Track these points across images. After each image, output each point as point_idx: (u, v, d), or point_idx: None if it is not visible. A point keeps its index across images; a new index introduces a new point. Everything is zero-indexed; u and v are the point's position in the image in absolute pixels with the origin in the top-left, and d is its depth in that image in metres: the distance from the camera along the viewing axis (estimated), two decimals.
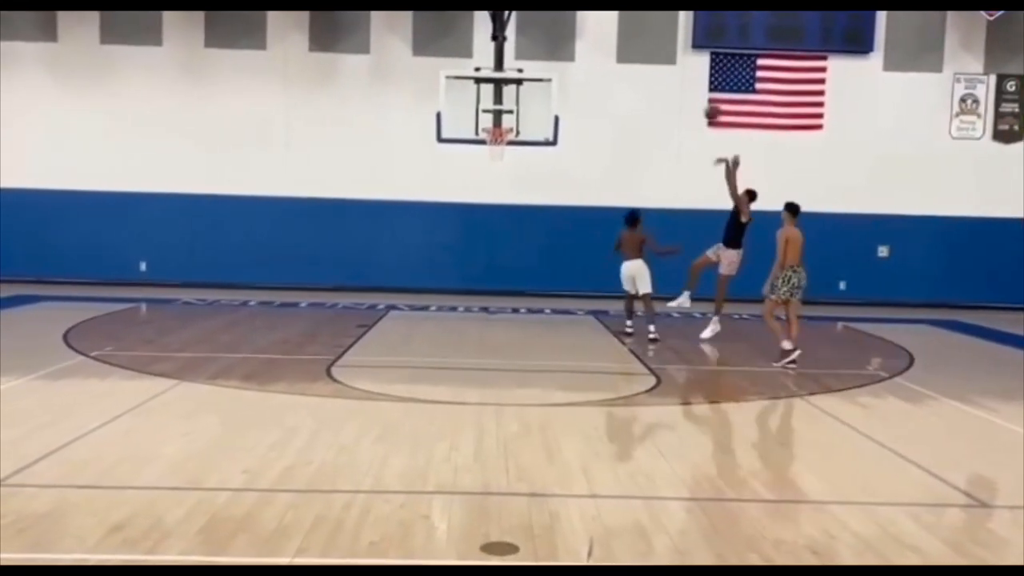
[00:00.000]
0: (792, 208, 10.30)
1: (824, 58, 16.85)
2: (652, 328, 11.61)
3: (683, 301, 12.11)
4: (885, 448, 6.67)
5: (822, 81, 16.93)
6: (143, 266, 16.70)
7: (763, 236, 11.28)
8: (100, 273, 16.26)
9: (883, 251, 17.22)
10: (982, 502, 5.62)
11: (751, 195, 11.71)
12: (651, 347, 11.22)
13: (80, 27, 16.44)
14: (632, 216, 11.93)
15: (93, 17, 16.41)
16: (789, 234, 10.13)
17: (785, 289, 10.10)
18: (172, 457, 5.92)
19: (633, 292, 11.93)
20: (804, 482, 5.83)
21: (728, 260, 11.82)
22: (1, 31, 16.43)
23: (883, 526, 4.89)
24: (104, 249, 16.46)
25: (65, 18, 16.44)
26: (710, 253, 12.04)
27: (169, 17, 16.46)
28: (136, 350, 9.95)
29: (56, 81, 16.52)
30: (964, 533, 5.02)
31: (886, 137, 16.86)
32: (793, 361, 9.86)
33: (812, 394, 8.60)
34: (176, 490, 5.20)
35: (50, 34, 16.50)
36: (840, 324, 14.62)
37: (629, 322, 12.17)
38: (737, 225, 11.76)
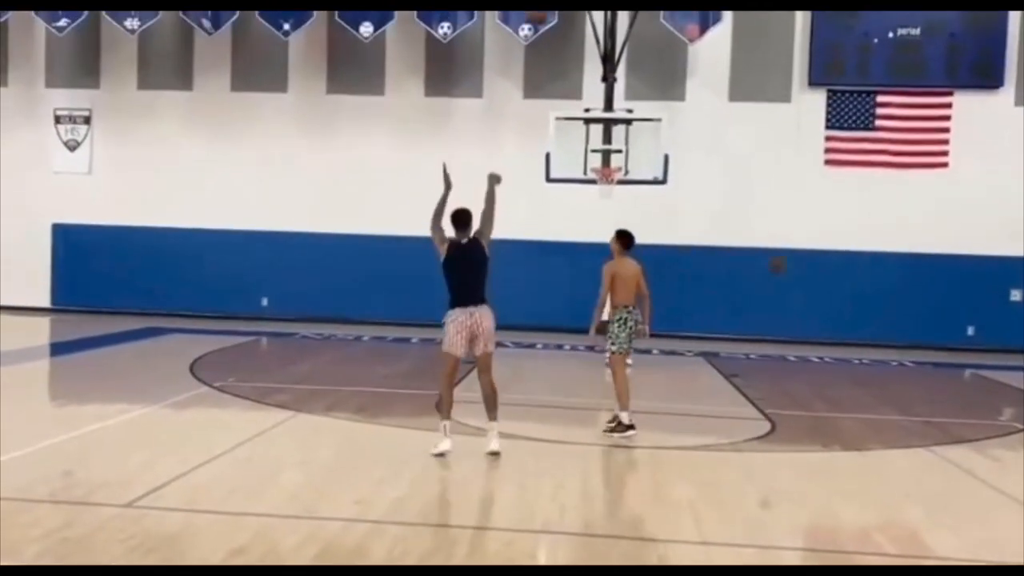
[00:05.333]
0: (621, 237, 8.50)
1: (949, 94, 16.17)
2: None
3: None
4: (1020, 504, 6.23)
5: (947, 118, 16.24)
6: (264, 301, 17.41)
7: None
8: (225, 308, 17.04)
9: (1016, 295, 16.23)
10: None
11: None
12: None
13: (213, 76, 17.49)
14: None
15: (225, 67, 17.43)
16: (616, 268, 8.34)
17: (624, 336, 8.17)
18: (288, 485, 6.11)
19: None
20: (931, 537, 5.50)
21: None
22: (143, 81, 17.66)
23: None
24: (229, 285, 17.26)
25: (200, 68, 17.52)
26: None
27: (294, 66, 17.30)
28: (256, 381, 10.35)
29: (190, 127, 17.58)
30: None
31: (1018, 175, 15.98)
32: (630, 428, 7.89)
33: (939, 444, 8.14)
34: (292, 518, 5.36)
35: (186, 83, 17.62)
36: (968, 371, 13.83)
37: None
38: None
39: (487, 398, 6.98)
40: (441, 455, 6.74)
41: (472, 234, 6.94)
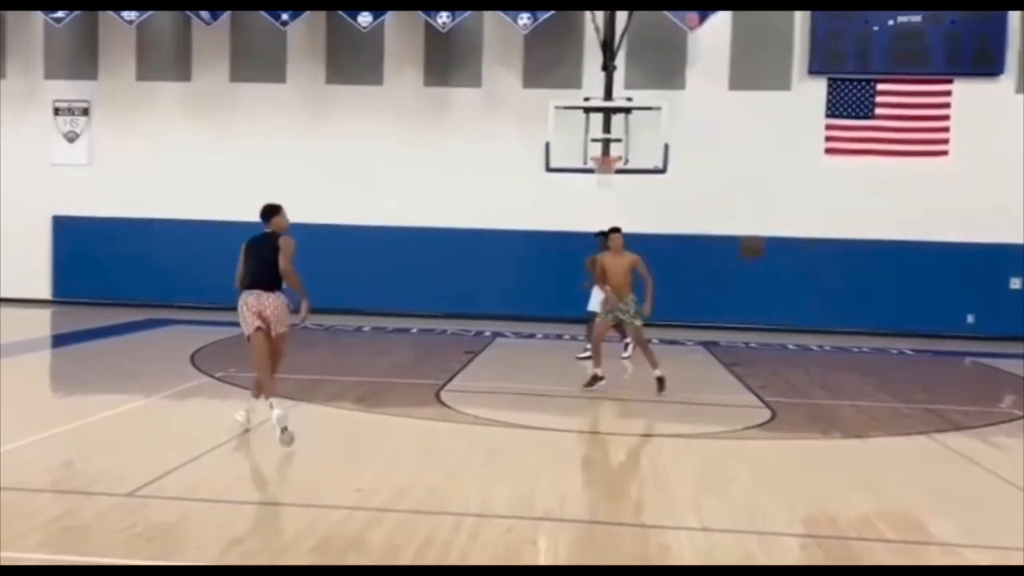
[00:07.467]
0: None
1: (949, 81, 16.13)
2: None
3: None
4: (1021, 490, 6.23)
5: (947, 105, 16.20)
6: None
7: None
8: (225, 299, 16.96)
9: (1015, 283, 16.23)
10: None
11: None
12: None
13: (211, 67, 17.44)
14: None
15: (223, 57, 17.39)
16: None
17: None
18: (289, 475, 6.12)
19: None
20: (932, 523, 5.51)
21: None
22: (142, 72, 17.62)
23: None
24: (228, 276, 17.21)
25: (198, 59, 17.48)
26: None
27: (293, 56, 17.27)
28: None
29: (189, 118, 17.54)
30: None
31: (1018, 162, 15.95)
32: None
33: (939, 431, 8.14)
34: (292, 507, 5.36)
35: (184, 74, 17.58)
36: (968, 359, 13.84)
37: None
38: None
39: (270, 375, 7.08)
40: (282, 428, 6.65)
41: (274, 229, 7.30)
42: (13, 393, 8.73)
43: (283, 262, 7.05)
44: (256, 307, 7.05)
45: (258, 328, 7.03)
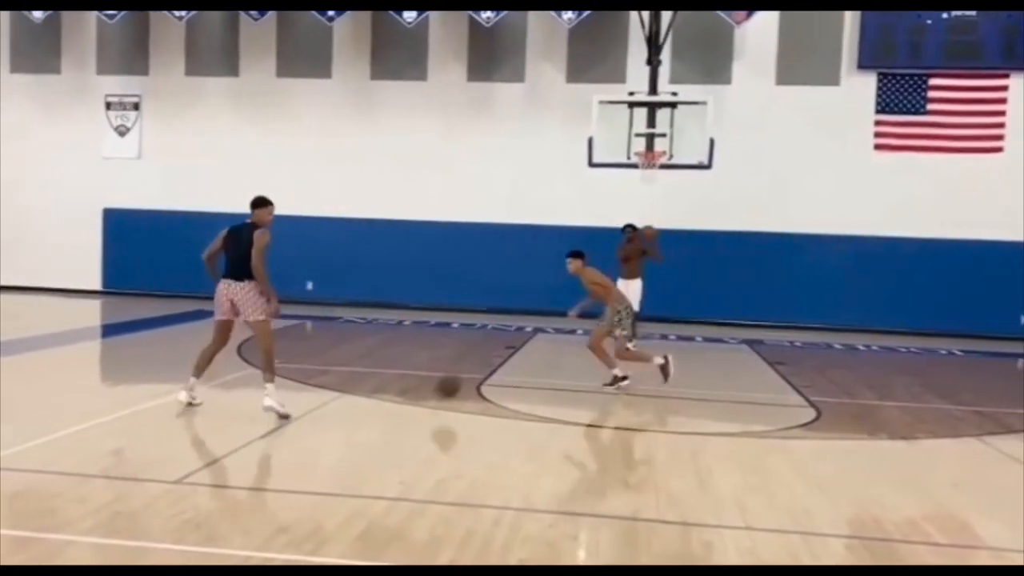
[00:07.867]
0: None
1: (1006, 76, 15.73)
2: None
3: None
4: None
5: (1003, 101, 15.81)
6: (309, 285, 17.61)
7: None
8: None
9: None
10: None
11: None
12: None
13: (258, 63, 17.67)
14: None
15: (270, 53, 17.62)
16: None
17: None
18: (333, 465, 6.19)
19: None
20: (982, 528, 5.39)
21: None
22: (190, 67, 17.92)
23: None
24: (274, 269, 17.38)
25: (246, 54, 17.73)
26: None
27: (338, 52, 17.43)
28: (301, 363, 10.47)
29: (237, 112, 17.80)
30: None
31: None
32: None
33: (991, 434, 7.96)
34: (336, 497, 5.42)
35: (232, 69, 17.84)
36: (1021, 361, 13.50)
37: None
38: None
39: (262, 363, 7.52)
40: (189, 404, 7.44)
41: (256, 221, 7.55)
42: (65, 381, 8.97)
43: (254, 256, 7.30)
44: (227, 295, 7.37)
45: (221, 320, 7.47)
